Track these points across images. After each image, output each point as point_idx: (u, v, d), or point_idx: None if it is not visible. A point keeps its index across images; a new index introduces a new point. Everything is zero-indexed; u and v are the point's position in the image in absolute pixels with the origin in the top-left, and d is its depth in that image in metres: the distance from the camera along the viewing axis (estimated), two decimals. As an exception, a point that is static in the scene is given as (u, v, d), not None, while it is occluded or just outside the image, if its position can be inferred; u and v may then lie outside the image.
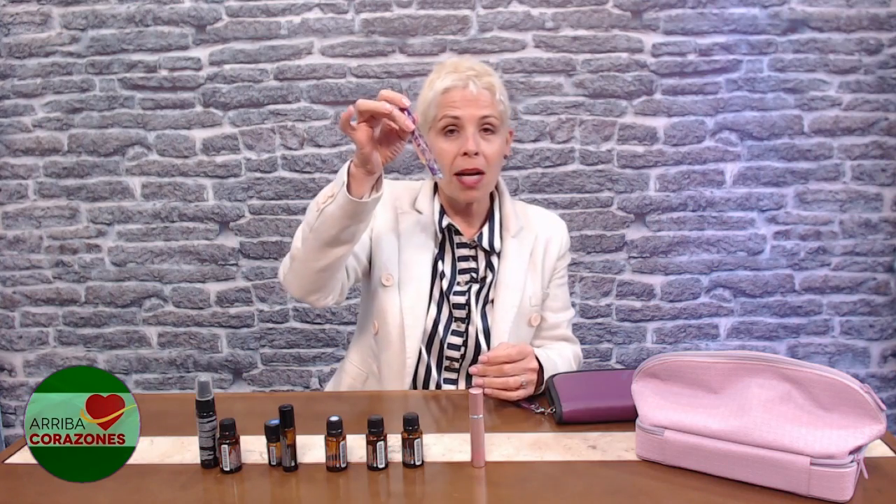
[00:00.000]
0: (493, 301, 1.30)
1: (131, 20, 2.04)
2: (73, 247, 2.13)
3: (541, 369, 1.15)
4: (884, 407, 0.80)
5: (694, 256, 2.10)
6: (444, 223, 1.29)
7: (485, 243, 1.30)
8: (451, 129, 1.24)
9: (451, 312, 1.28)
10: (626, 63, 2.03)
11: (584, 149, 2.06)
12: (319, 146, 2.07)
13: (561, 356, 1.27)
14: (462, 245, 1.31)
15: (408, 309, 1.26)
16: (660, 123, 2.05)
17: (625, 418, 0.99)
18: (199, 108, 2.07)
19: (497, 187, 1.35)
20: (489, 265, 1.31)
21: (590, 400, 1.05)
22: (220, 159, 2.08)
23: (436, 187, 1.34)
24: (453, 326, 1.28)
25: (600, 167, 2.07)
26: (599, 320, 2.12)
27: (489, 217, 1.33)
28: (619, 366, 2.13)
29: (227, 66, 2.05)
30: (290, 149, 2.07)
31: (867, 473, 0.82)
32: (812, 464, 0.80)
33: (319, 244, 1.11)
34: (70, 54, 2.05)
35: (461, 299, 1.28)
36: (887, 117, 2.03)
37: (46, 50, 2.05)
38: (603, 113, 2.05)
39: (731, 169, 2.07)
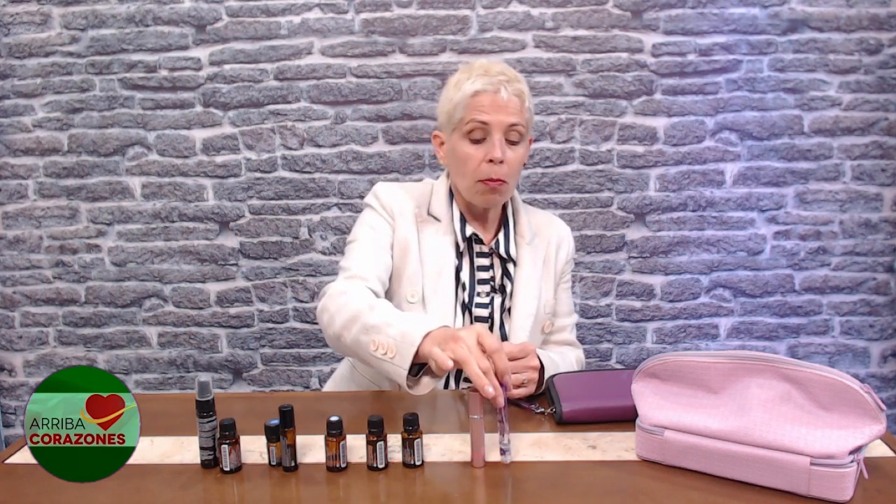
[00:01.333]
0: (509, 310, 1.28)
1: (131, 20, 2.04)
2: (73, 247, 2.13)
3: (542, 369, 1.15)
4: (884, 407, 0.80)
5: (694, 256, 2.10)
6: (468, 232, 1.27)
7: (501, 251, 1.28)
8: (478, 133, 1.21)
9: (472, 324, 1.26)
10: (626, 63, 2.03)
11: (584, 149, 2.06)
12: (319, 146, 2.07)
13: (562, 357, 1.27)
14: (481, 254, 1.28)
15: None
16: (660, 123, 2.05)
17: (625, 418, 0.99)
18: (199, 108, 2.07)
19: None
20: (506, 273, 1.29)
21: (590, 400, 1.05)
22: (220, 159, 2.08)
23: (451, 192, 1.31)
24: None
25: (600, 167, 2.07)
26: (599, 320, 2.12)
27: (503, 224, 1.31)
28: (619, 366, 2.13)
29: (227, 66, 2.05)
30: (290, 149, 2.07)
31: (867, 473, 0.82)
32: (812, 464, 0.80)
33: (360, 359, 1.08)
34: (70, 54, 2.05)
35: (484, 312, 1.26)
36: (887, 117, 2.03)
37: (46, 50, 2.05)
38: (603, 113, 2.05)
39: (731, 169, 2.07)
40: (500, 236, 1.29)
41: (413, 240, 1.25)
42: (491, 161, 1.20)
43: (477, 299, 1.26)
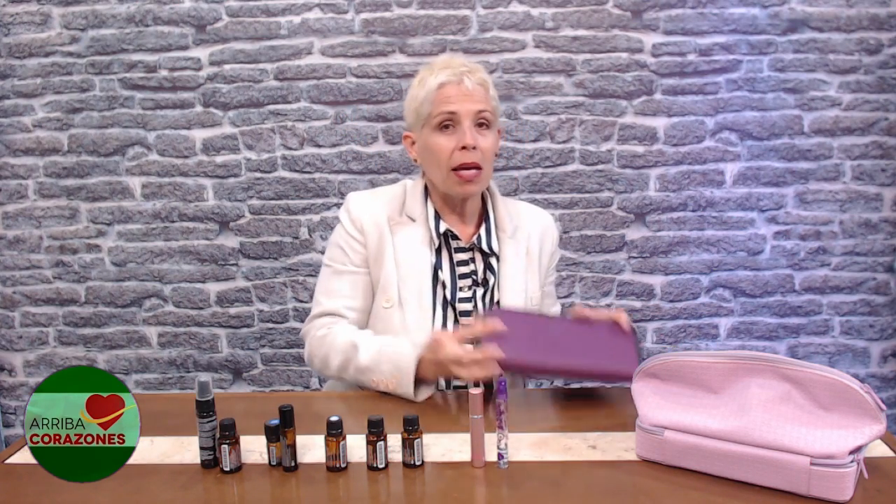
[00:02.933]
0: (498, 303, 1.29)
1: (131, 20, 2.04)
2: (73, 247, 2.13)
3: None
4: (884, 407, 0.80)
5: (694, 256, 2.10)
6: (442, 229, 1.27)
7: (483, 246, 1.29)
8: (447, 124, 1.23)
9: (456, 320, 1.27)
10: (626, 63, 2.03)
11: (584, 149, 2.06)
12: (319, 146, 2.07)
13: None
14: (460, 249, 1.29)
15: (413, 326, 1.24)
16: (660, 123, 2.05)
17: (569, 378, 1.01)
18: (199, 108, 2.07)
19: (488, 187, 1.34)
20: (488, 267, 1.30)
21: (533, 353, 1.06)
22: (220, 159, 2.08)
23: (426, 191, 1.32)
24: None
25: (600, 167, 2.07)
26: (599, 320, 2.12)
27: (484, 218, 1.32)
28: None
29: (227, 66, 2.05)
30: (290, 149, 2.07)
31: (867, 473, 0.82)
32: (812, 464, 0.80)
33: (360, 385, 1.22)
34: (70, 54, 2.05)
35: (468, 306, 1.27)
36: (887, 117, 2.03)
37: (46, 50, 2.05)
38: (603, 113, 2.05)
39: (731, 169, 2.07)
40: (482, 231, 1.30)
41: (387, 246, 1.27)
42: (464, 148, 1.22)
43: (460, 294, 1.27)
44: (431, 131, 1.24)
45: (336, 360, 1.21)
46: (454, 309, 1.27)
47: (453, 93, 1.22)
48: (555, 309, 1.42)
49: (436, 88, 1.23)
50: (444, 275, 1.27)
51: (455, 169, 1.23)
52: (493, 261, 1.30)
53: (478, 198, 1.32)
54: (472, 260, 1.30)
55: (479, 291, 1.28)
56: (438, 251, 1.29)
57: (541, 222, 1.38)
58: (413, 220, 1.29)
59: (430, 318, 1.25)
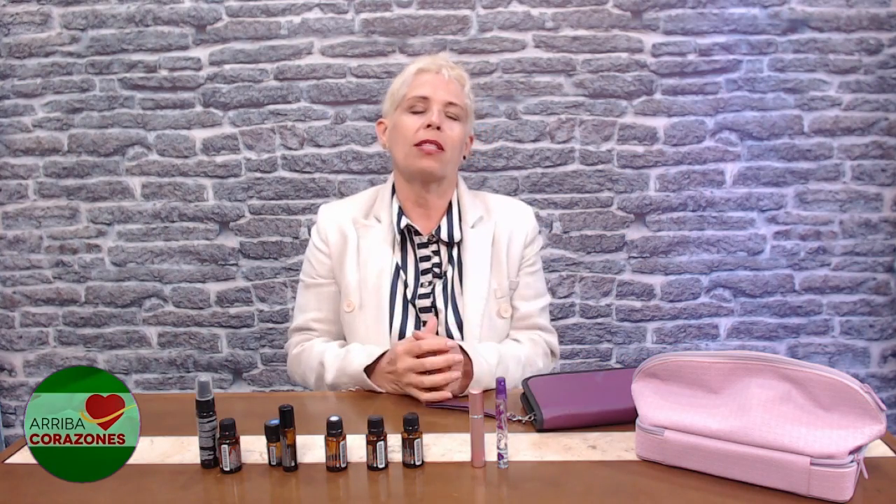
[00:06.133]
0: (461, 293, 1.29)
1: (131, 20, 2.04)
2: (73, 247, 2.13)
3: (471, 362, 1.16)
4: (884, 407, 0.80)
5: (694, 256, 2.10)
6: (403, 224, 1.29)
7: (444, 235, 1.29)
8: (418, 107, 1.27)
9: (417, 318, 1.27)
10: (626, 63, 2.03)
11: (584, 149, 2.06)
12: (319, 146, 2.07)
13: (508, 351, 1.25)
14: (422, 245, 1.30)
15: (372, 328, 1.26)
16: (660, 123, 2.05)
17: (606, 422, 1.00)
18: (199, 108, 2.07)
19: (456, 181, 1.36)
20: (451, 258, 1.30)
21: (570, 405, 1.02)
22: (220, 159, 2.08)
23: (394, 189, 1.34)
24: None
25: (600, 167, 2.07)
26: (599, 320, 2.12)
27: (448, 210, 1.33)
28: (618, 365, 2.13)
29: (227, 66, 2.05)
30: (290, 149, 2.07)
31: (867, 473, 0.82)
32: (812, 464, 0.80)
33: (336, 390, 1.26)
34: (70, 54, 2.05)
35: (426, 302, 1.27)
36: (887, 117, 2.03)
37: (46, 50, 2.05)
38: (603, 113, 2.05)
39: (731, 169, 2.07)
40: (443, 222, 1.30)
41: (350, 252, 1.30)
42: (429, 126, 1.24)
43: (420, 290, 1.28)
44: (402, 112, 1.28)
45: (312, 378, 1.29)
46: (414, 307, 1.27)
47: (429, 79, 1.28)
48: (539, 303, 1.36)
49: (413, 73, 1.29)
50: (408, 275, 1.29)
51: (418, 144, 1.25)
52: (455, 251, 1.30)
53: (444, 191, 1.32)
54: (437, 252, 1.31)
55: (439, 285, 1.28)
56: (403, 249, 1.30)
57: (513, 214, 1.36)
58: (379, 222, 1.31)
59: (388, 320, 1.25)
